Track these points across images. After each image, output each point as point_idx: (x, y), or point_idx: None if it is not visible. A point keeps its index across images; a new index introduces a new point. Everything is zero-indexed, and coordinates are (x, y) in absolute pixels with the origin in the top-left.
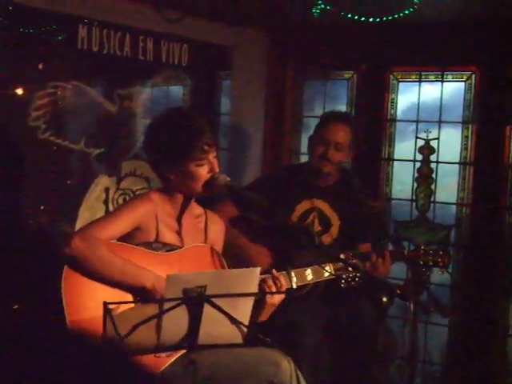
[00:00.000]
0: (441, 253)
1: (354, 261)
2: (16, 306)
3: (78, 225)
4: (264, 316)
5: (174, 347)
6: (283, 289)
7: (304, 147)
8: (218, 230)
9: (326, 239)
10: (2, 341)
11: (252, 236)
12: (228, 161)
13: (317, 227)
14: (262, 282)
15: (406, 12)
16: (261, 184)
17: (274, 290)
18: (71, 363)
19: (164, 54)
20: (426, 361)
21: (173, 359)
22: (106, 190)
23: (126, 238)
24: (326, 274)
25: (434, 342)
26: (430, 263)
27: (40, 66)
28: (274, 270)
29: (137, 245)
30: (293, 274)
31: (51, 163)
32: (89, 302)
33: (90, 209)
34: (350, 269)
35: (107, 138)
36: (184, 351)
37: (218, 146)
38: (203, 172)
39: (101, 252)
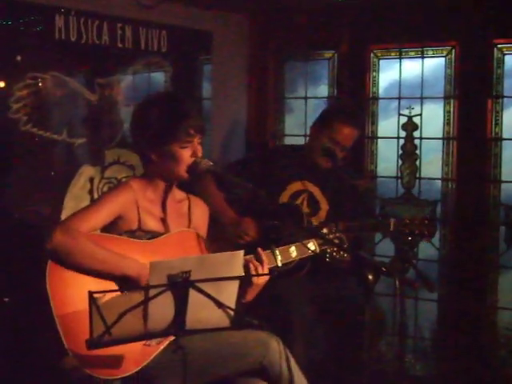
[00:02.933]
0: (426, 222)
1: (337, 234)
2: (6, 299)
3: (64, 215)
4: (250, 296)
5: (162, 334)
6: (267, 268)
7: (288, 129)
8: (201, 214)
9: (314, 222)
10: None
11: (239, 210)
12: (211, 145)
13: (305, 209)
14: (248, 262)
15: None
16: (252, 161)
17: (259, 269)
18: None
19: (143, 40)
20: (417, 336)
21: (162, 347)
22: (91, 179)
23: (109, 227)
24: (310, 250)
25: (423, 318)
26: (416, 232)
27: (18, 58)
28: (259, 249)
29: (119, 234)
30: (277, 252)
31: (34, 155)
32: (75, 295)
33: (75, 199)
34: (335, 242)
35: (89, 128)
36: (173, 338)
37: (205, 132)
38: (186, 155)
39: (83, 244)
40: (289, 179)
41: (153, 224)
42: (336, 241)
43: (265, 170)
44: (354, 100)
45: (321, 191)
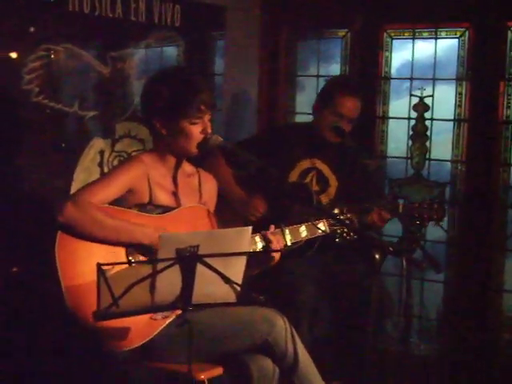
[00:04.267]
0: (435, 206)
1: (348, 215)
2: (15, 269)
3: (74, 187)
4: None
5: (169, 307)
6: (279, 246)
7: (299, 107)
8: (210, 188)
9: (324, 199)
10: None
11: (249, 188)
12: (222, 121)
13: (314, 186)
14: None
15: None
16: (261, 139)
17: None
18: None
19: (156, 14)
20: (422, 317)
21: (168, 321)
22: (101, 152)
23: (119, 201)
24: (320, 231)
25: (429, 298)
26: (425, 216)
27: (31, 29)
28: (272, 226)
29: (130, 208)
30: (287, 231)
31: (45, 126)
32: (84, 266)
33: (85, 171)
34: (345, 222)
35: (101, 101)
36: (179, 313)
37: (215, 108)
38: (196, 131)
39: (94, 215)
40: (297, 157)
41: (164, 198)
42: (347, 222)
43: (274, 147)
44: (366, 79)
45: (329, 168)
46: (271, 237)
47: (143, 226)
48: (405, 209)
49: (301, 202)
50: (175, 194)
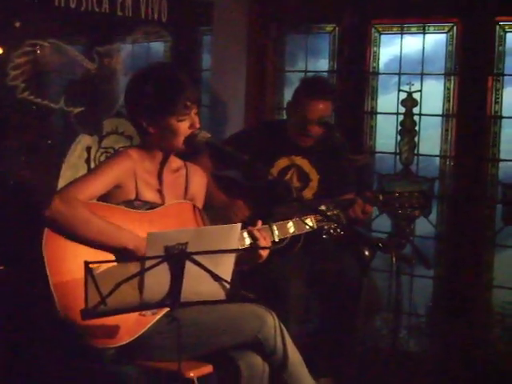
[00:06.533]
0: (416, 194)
1: (334, 212)
2: (1, 267)
3: (61, 184)
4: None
5: (157, 305)
6: (266, 242)
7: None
8: (199, 182)
9: (307, 194)
10: None
11: (230, 192)
12: (210, 117)
13: (295, 183)
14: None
15: None
16: (239, 139)
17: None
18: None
19: (143, 9)
20: (412, 313)
21: (158, 317)
22: (88, 148)
23: (106, 197)
24: (308, 226)
25: (419, 294)
26: (406, 205)
27: (17, 24)
28: (259, 222)
29: (117, 203)
30: (274, 227)
31: (31, 123)
32: (71, 263)
33: (71, 168)
34: (332, 218)
35: (87, 97)
36: (168, 309)
37: (201, 102)
38: (184, 127)
39: (81, 213)
40: (275, 155)
41: (150, 195)
42: (334, 218)
43: (251, 147)
44: (354, 74)
45: (309, 162)
46: (257, 234)
47: (128, 231)
48: (385, 198)
49: (280, 198)
50: (160, 191)
